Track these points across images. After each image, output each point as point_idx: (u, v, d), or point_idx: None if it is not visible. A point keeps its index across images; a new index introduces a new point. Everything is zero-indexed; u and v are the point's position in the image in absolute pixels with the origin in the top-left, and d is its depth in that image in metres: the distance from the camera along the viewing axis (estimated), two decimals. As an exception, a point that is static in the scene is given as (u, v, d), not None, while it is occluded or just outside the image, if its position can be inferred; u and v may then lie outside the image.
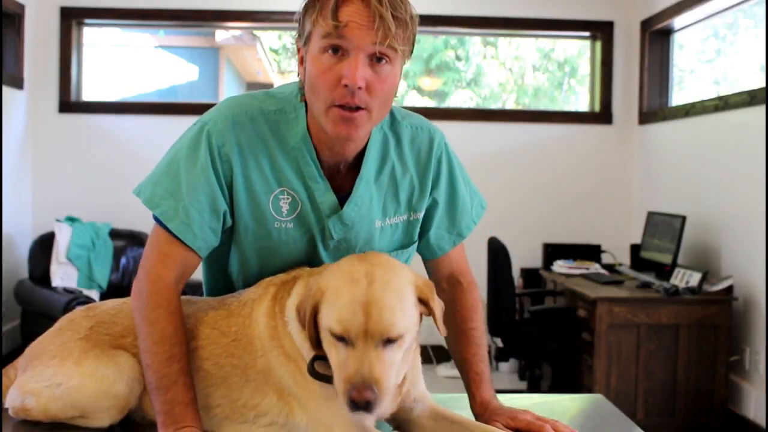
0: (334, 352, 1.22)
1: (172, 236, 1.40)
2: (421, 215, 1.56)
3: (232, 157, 1.41)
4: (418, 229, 1.57)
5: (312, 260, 1.50)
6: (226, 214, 1.43)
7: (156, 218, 1.42)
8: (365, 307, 1.20)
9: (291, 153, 1.44)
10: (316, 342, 1.27)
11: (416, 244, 1.59)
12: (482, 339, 1.56)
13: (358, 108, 1.33)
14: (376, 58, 1.32)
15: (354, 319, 1.20)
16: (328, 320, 1.22)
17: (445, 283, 1.61)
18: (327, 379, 1.27)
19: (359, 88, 1.31)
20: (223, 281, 1.55)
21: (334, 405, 1.28)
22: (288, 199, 1.45)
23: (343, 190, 1.47)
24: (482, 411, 1.47)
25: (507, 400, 1.50)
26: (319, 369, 1.29)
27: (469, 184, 1.62)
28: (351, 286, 1.22)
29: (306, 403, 1.32)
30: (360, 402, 1.16)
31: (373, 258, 1.29)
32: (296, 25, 1.41)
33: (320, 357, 1.28)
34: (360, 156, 1.47)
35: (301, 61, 1.40)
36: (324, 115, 1.35)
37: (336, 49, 1.31)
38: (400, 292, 1.24)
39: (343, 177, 1.48)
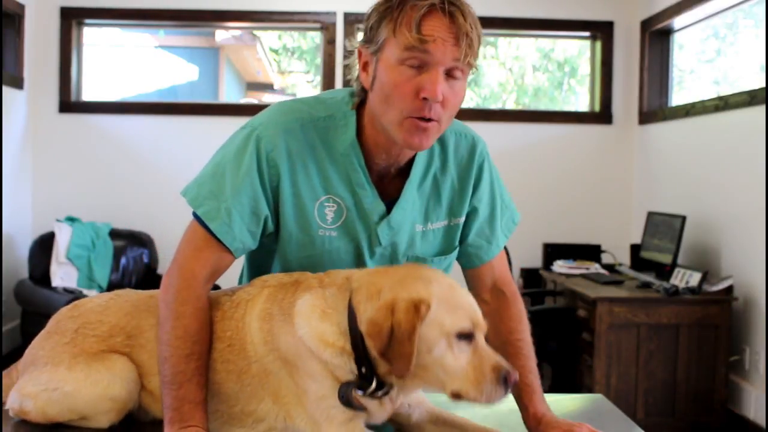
0: (453, 356, 1.24)
1: (209, 235, 1.40)
2: (461, 221, 1.55)
3: (279, 163, 1.42)
4: (458, 236, 1.56)
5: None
6: (267, 219, 1.43)
7: (196, 216, 1.42)
8: (475, 306, 1.31)
9: (339, 160, 1.45)
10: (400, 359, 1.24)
11: (457, 250, 1.58)
12: (530, 350, 1.54)
13: (430, 119, 1.34)
14: (451, 74, 1.34)
15: (478, 313, 1.30)
16: (454, 323, 1.25)
17: (488, 294, 1.59)
18: (360, 408, 1.28)
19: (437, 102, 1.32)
20: None
21: (325, 404, 1.29)
22: (333, 206, 1.45)
23: (387, 197, 1.48)
24: (536, 424, 1.44)
25: (507, 400, 1.50)
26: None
27: (504, 197, 1.62)
28: (455, 290, 1.30)
29: (304, 401, 1.31)
30: (515, 380, 1.26)
31: (428, 266, 1.36)
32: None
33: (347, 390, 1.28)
34: (407, 163, 1.48)
35: (364, 66, 1.40)
36: (397, 125, 1.35)
37: (415, 64, 1.31)
38: None
39: (389, 182, 1.48)
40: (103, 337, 1.43)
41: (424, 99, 1.31)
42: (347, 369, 1.29)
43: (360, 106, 1.46)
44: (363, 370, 1.27)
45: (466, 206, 1.55)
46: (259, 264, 1.54)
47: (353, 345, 1.28)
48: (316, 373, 1.29)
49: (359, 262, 1.49)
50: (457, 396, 1.26)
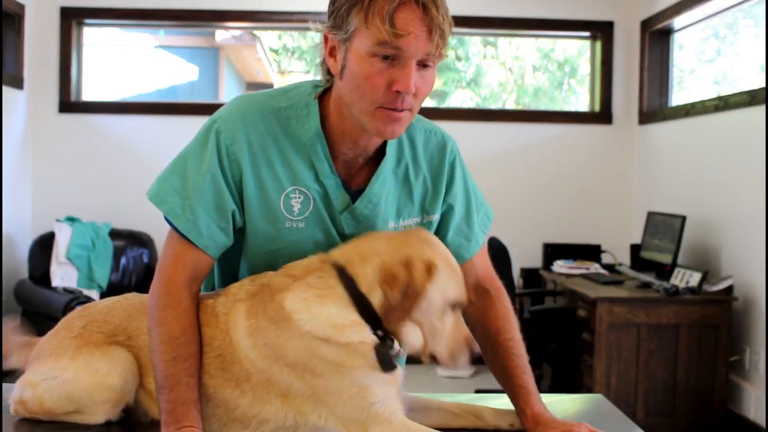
0: (442, 321, 1.32)
1: (182, 238, 1.40)
2: (435, 218, 1.54)
3: (240, 156, 1.40)
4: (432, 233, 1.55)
5: None
6: (234, 214, 1.42)
7: (167, 220, 1.42)
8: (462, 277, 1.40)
9: (303, 150, 1.43)
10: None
11: None
12: (521, 349, 1.51)
13: (403, 110, 1.34)
14: (423, 64, 1.32)
15: (464, 285, 1.38)
16: (454, 292, 1.32)
17: (472, 294, 1.56)
18: (394, 367, 1.32)
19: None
20: None
21: (364, 401, 1.29)
22: (299, 198, 1.43)
23: (355, 186, 1.47)
24: (534, 425, 1.42)
25: (506, 401, 1.50)
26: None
27: (477, 194, 1.61)
28: (452, 258, 1.38)
29: (324, 399, 1.31)
30: (477, 352, 1.36)
31: (419, 229, 1.43)
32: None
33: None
34: (376, 154, 1.47)
35: (331, 52, 1.38)
36: (369, 115, 1.34)
37: (387, 55, 1.30)
38: None
39: (358, 172, 1.47)
40: (108, 334, 1.44)
41: (397, 92, 1.30)
42: (370, 339, 1.30)
43: (323, 95, 1.44)
44: (379, 332, 1.31)
45: (440, 204, 1.54)
46: (229, 262, 1.52)
47: (361, 312, 1.31)
48: (339, 364, 1.29)
49: None
50: (432, 357, 1.34)
